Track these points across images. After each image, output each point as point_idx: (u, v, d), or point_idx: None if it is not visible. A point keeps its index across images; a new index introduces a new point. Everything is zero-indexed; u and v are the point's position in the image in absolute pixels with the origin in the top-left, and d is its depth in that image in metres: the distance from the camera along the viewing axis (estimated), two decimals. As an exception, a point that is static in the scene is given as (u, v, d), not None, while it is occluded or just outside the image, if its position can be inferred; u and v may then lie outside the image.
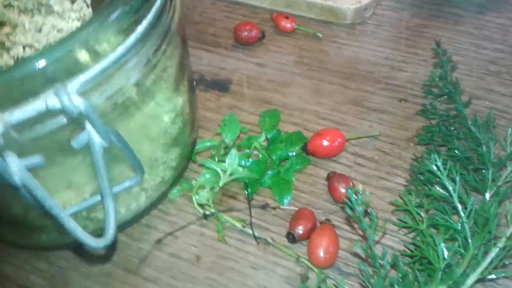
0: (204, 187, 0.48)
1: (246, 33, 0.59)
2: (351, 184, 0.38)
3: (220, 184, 0.47)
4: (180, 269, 0.44)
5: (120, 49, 0.31)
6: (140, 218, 0.47)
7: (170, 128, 0.43)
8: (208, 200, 0.47)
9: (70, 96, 0.28)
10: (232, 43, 0.61)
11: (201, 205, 0.47)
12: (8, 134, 0.29)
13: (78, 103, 0.28)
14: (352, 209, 0.37)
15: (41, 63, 0.30)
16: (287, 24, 0.61)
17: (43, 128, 0.31)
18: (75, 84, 0.29)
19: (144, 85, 0.38)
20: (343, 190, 0.46)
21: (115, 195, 0.33)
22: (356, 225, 0.45)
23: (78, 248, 0.46)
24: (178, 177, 0.48)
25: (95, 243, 0.32)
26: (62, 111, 0.28)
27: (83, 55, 0.33)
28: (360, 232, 0.45)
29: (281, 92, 0.56)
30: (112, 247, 0.45)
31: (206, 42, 0.62)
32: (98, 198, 0.36)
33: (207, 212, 0.47)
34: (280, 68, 0.59)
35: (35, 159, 0.30)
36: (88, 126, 0.31)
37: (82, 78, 0.30)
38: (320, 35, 0.61)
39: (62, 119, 0.31)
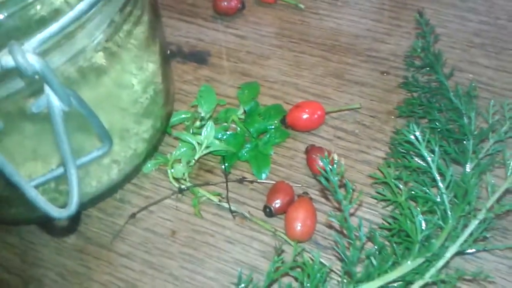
0: (179, 161, 0.46)
1: (225, 3, 0.57)
2: (326, 153, 0.37)
3: (196, 157, 0.46)
4: (155, 244, 0.43)
5: (81, 6, 0.29)
6: (113, 192, 0.45)
7: (140, 97, 0.41)
8: (183, 174, 0.46)
9: (24, 53, 0.26)
10: (211, 14, 0.59)
11: (177, 179, 0.46)
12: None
13: (33, 61, 0.26)
14: (327, 179, 0.35)
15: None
16: (268, -5, 0.60)
17: (2, 90, 0.29)
18: (32, 42, 0.28)
19: (110, 49, 0.36)
20: (321, 163, 0.44)
21: (83, 165, 0.32)
22: (331, 197, 0.44)
23: (47, 223, 0.44)
24: (152, 150, 0.47)
25: (58, 213, 0.30)
26: (16, 69, 0.26)
27: (40, 12, 0.31)
28: (337, 205, 0.44)
29: (260, 64, 0.55)
30: (76, 219, 0.44)
31: (184, 12, 0.60)
32: (59, 170, 0.34)
33: (183, 186, 0.45)
34: (260, 40, 0.57)
35: (-6, 123, 0.29)
36: (47, 88, 0.29)
37: (39, 36, 0.28)
38: (302, 6, 0.59)
39: (21, 82, 0.29)
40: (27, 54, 0.26)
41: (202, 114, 0.47)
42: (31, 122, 0.34)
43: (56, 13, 0.30)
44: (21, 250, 0.44)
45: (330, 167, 0.35)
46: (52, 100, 0.29)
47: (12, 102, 0.32)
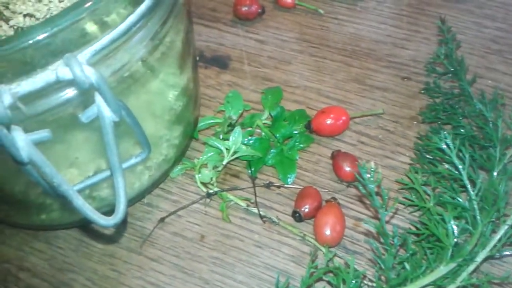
0: (206, 165, 0.47)
1: (245, 8, 0.58)
2: (363, 162, 0.37)
3: (224, 163, 0.46)
4: (184, 248, 0.44)
5: (131, 18, 0.29)
6: (142, 197, 0.46)
7: (174, 105, 0.42)
8: (211, 179, 0.46)
9: (82, 66, 0.26)
10: (232, 18, 0.60)
11: (204, 184, 0.46)
12: (15, 106, 0.27)
13: (89, 74, 0.27)
14: (364, 186, 0.36)
15: (47, 32, 0.28)
16: (288, 0, 0.60)
17: (50, 102, 0.30)
18: (85, 54, 0.28)
19: (150, 60, 0.37)
20: (348, 169, 0.45)
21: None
22: (367, 202, 0.44)
23: (82, 228, 0.45)
24: (181, 155, 0.47)
25: (105, 221, 0.30)
26: (73, 82, 0.26)
27: (90, 26, 0.31)
28: (366, 211, 0.44)
29: (282, 69, 0.55)
30: (122, 226, 0.44)
31: (205, 17, 0.60)
32: (105, 174, 0.35)
33: (211, 191, 0.46)
34: (280, 45, 0.57)
35: (43, 133, 0.29)
36: (98, 99, 0.29)
37: (92, 48, 0.28)
38: (322, 11, 0.60)
39: (70, 93, 0.30)
40: (84, 66, 0.27)
41: (234, 118, 0.47)
42: (74, 131, 0.34)
43: (105, 28, 0.31)
44: (49, 255, 0.44)
45: (368, 175, 0.35)
46: (103, 110, 0.29)
47: (57, 113, 0.32)
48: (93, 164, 0.38)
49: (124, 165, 0.36)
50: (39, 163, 0.28)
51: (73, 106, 0.31)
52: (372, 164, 0.37)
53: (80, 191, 0.36)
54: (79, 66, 0.26)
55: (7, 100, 0.26)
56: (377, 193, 0.37)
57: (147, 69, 0.36)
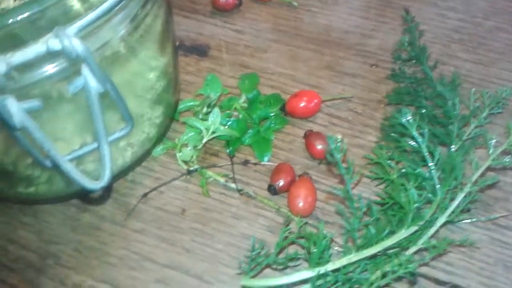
0: (186, 145, 0.50)
1: (223, 0, 0.61)
2: (330, 133, 0.41)
3: (203, 142, 0.49)
4: (166, 220, 0.46)
5: (113, -1, 0.32)
6: (125, 174, 0.48)
7: (154, 85, 0.44)
8: (191, 157, 0.49)
9: (70, 38, 0.29)
10: (210, 10, 0.63)
11: (185, 162, 0.49)
12: (9, 75, 0.30)
13: (77, 44, 0.29)
14: (332, 155, 0.39)
15: (35, 8, 0.31)
16: (264, -8, 0.63)
17: (41, 73, 0.32)
18: (72, 29, 0.31)
19: (130, 41, 0.39)
20: (319, 147, 0.48)
21: (111, 143, 0.35)
22: (337, 179, 0.48)
23: (68, 203, 0.47)
24: (162, 135, 0.50)
25: (92, 185, 0.33)
26: (62, 52, 0.29)
27: (75, 4, 0.34)
28: (337, 186, 0.47)
29: (258, 57, 0.58)
30: (108, 192, 0.47)
31: (184, 8, 0.63)
32: (91, 147, 0.38)
33: (191, 168, 0.49)
34: (257, 35, 0.61)
35: (34, 102, 0.32)
36: (85, 71, 0.32)
37: (78, 23, 0.31)
38: (296, 4, 0.63)
39: (60, 64, 0.32)
40: (72, 38, 0.29)
41: (212, 97, 0.50)
42: (63, 104, 0.37)
43: (88, 7, 0.34)
44: (37, 228, 0.46)
45: (334, 145, 0.39)
46: (89, 81, 0.32)
47: (48, 85, 0.35)
48: (79, 138, 0.40)
49: (109, 138, 0.39)
50: (31, 129, 0.31)
51: (60, 79, 0.34)
52: (339, 135, 0.40)
53: (75, 159, 0.38)
54: (67, 38, 0.29)
55: (2, 68, 0.29)
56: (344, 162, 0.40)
57: (128, 49, 0.39)
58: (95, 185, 0.33)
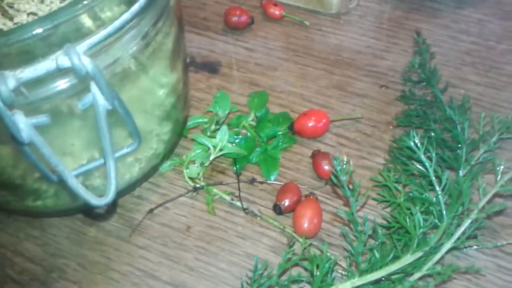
0: (194, 162, 0.50)
1: (236, 18, 0.62)
2: (337, 154, 0.41)
3: (211, 158, 0.49)
4: (171, 237, 0.46)
5: (125, 16, 0.32)
6: (132, 189, 0.49)
7: (164, 102, 0.45)
8: (198, 174, 0.49)
9: (79, 55, 0.29)
10: (222, 27, 0.64)
11: (192, 179, 0.49)
12: (19, 90, 0.31)
13: (86, 62, 0.30)
14: (337, 177, 0.39)
15: (47, 25, 0.32)
16: (276, 11, 0.64)
17: (50, 90, 0.33)
18: (82, 46, 0.31)
19: (141, 58, 0.40)
20: (327, 167, 0.48)
21: (117, 159, 0.35)
22: (337, 199, 0.47)
23: (75, 217, 0.47)
24: (170, 152, 0.50)
25: (97, 201, 0.33)
26: (71, 69, 0.30)
27: (87, 21, 0.34)
28: (342, 206, 0.47)
29: (268, 75, 0.59)
30: (113, 208, 0.47)
31: (196, 25, 0.64)
32: (98, 162, 0.38)
33: (198, 185, 0.49)
34: (267, 53, 0.61)
35: (42, 117, 0.32)
36: (93, 88, 0.32)
37: (88, 41, 0.31)
38: (307, 23, 0.63)
39: (69, 81, 0.33)
40: (81, 56, 0.30)
41: (221, 115, 0.50)
42: (72, 121, 0.37)
43: (100, 24, 0.34)
44: (43, 241, 0.47)
45: (340, 167, 0.39)
46: (98, 98, 0.33)
47: (55, 100, 0.35)
48: (87, 153, 0.41)
49: (116, 154, 0.39)
50: (38, 144, 0.31)
51: (70, 96, 0.35)
52: (345, 157, 0.40)
53: (81, 175, 0.39)
54: (77, 55, 0.30)
55: (12, 83, 0.29)
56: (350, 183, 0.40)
57: (138, 66, 0.40)
58: (100, 201, 0.33)
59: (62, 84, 0.33)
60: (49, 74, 0.30)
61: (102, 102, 0.33)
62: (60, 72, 0.31)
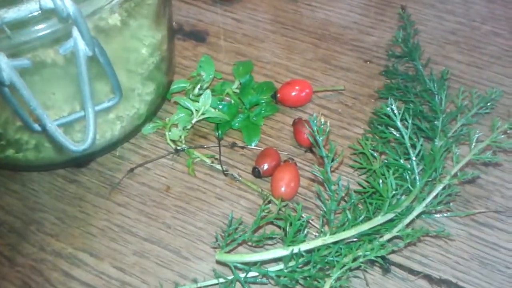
0: (177, 125, 0.50)
1: (225, -11, 0.62)
2: (314, 114, 0.41)
3: (193, 121, 0.50)
4: (150, 196, 0.47)
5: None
6: (113, 148, 0.49)
7: (147, 60, 0.45)
8: (180, 137, 0.50)
9: (62, -3, 0.30)
10: (211, -2, 0.64)
11: (173, 141, 0.50)
12: (2, 30, 0.31)
13: (68, 4, 0.30)
14: (313, 137, 0.40)
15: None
16: (265, -15, 0.64)
17: (32, 33, 0.33)
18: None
19: (123, 11, 0.40)
20: (307, 135, 0.49)
21: (97, 112, 0.36)
22: (315, 164, 0.48)
23: (55, 172, 0.48)
24: (152, 114, 0.51)
25: (75, 147, 0.34)
26: (54, 10, 0.30)
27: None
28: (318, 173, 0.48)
29: (255, 46, 0.59)
30: (91, 156, 0.47)
31: (186, -5, 0.64)
32: (78, 114, 0.39)
33: (179, 147, 0.49)
34: (255, 24, 0.61)
35: (23, 60, 0.33)
36: (75, 33, 0.33)
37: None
38: (296, -3, 0.64)
39: (51, 25, 0.33)
40: (64, -2, 0.30)
41: (204, 78, 0.51)
42: (53, 68, 0.38)
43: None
44: (23, 196, 0.47)
45: (317, 127, 0.39)
46: (78, 44, 0.33)
47: (38, 46, 0.36)
48: (68, 105, 0.41)
49: (97, 108, 0.40)
50: (18, 85, 0.32)
51: (51, 42, 0.35)
52: (322, 118, 0.41)
53: (62, 125, 0.39)
54: (59, -3, 0.30)
55: (-6, 23, 0.30)
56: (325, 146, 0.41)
57: (120, 20, 0.40)
58: (78, 147, 0.34)
59: (45, 28, 0.33)
60: (33, 16, 0.31)
61: (82, 47, 0.33)
62: (44, 14, 0.31)
